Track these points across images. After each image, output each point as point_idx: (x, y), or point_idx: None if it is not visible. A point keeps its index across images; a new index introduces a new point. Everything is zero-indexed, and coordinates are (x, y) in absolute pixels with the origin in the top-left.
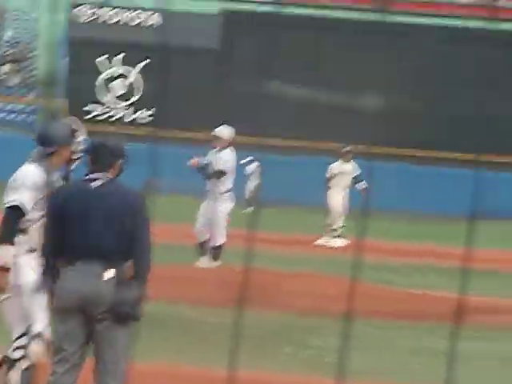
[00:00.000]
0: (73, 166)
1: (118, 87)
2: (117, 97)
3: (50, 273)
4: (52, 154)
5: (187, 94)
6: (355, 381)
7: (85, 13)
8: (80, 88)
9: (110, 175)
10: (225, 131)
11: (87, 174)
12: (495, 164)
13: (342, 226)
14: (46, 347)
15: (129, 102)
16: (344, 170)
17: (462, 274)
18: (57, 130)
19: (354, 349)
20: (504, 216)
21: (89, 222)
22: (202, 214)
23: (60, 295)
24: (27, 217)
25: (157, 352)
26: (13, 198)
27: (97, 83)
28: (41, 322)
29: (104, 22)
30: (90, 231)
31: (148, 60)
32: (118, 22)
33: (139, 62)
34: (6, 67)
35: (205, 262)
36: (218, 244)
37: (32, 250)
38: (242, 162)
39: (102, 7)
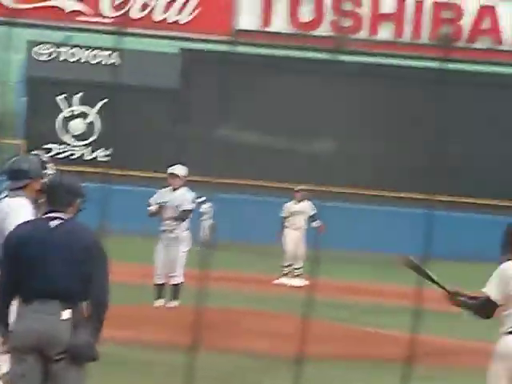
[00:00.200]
0: (43, 199)
1: (77, 126)
2: (76, 136)
3: (5, 313)
4: (24, 187)
5: (144, 134)
6: None
7: (44, 51)
8: (39, 127)
9: (68, 214)
10: (181, 169)
11: (46, 213)
12: (448, 204)
13: (300, 267)
14: None
15: (87, 142)
16: (298, 210)
17: (413, 313)
18: (28, 163)
19: None
20: (457, 257)
21: (46, 262)
22: (159, 258)
23: (17, 335)
24: None
25: None
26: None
27: (56, 122)
28: (4, 363)
29: (63, 60)
30: (48, 271)
31: (105, 99)
32: (77, 60)
33: (98, 101)
34: None
35: (162, 302)
36: (177, 283)
37: None
38: (198, 200)
39: (60, 46)
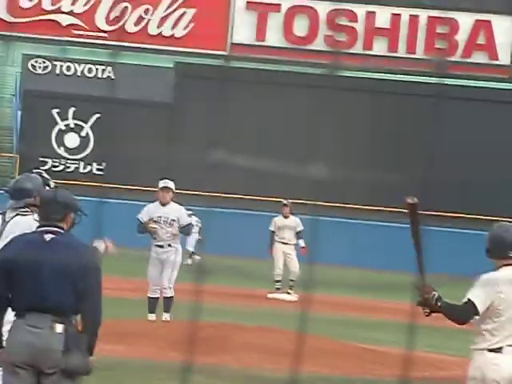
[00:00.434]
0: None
1: (72, 140)
2: (70, 149)
3: None
4: (31, 205)
5: (137, 148)
6: None
7: (39, 65)
8: (34, 140)
9: (62, 228)
10: (171, 183)
11: (40, 226)
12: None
13: (294, 280)
14: None
15: (81, 156)
16: (286, 224)
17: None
18: (31, 182)
19: None
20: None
21: (40, 275)
22: (153, 272)
23: (9, 348)
24: None
25: None
26: None
27: (51, 136)
28: None
29: (58, 74)
30: (41, 284)
31: (99, 114)
32: (72, 74)
33: (92, 115)
34: None
35: (154, 316)
36: (169, 296)
37: None
38: (188, 214)
39: (55, 60)
